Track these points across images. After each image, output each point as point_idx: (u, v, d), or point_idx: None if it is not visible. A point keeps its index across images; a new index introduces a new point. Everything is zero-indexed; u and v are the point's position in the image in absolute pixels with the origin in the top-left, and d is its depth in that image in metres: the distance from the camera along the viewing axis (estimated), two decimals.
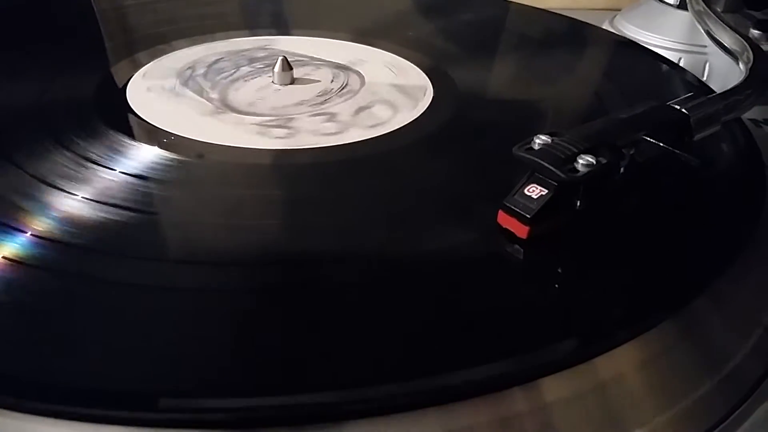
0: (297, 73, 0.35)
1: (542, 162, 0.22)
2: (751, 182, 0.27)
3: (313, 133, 0.29)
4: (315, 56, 0.38)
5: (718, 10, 0.40)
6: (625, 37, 0.45)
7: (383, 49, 0.39)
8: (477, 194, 0.25)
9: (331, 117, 0.31)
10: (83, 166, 0.26)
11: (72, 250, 0.21)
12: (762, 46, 0.33)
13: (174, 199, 0.25)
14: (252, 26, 0.43)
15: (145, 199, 0.24)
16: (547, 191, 0.22)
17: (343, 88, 0.34)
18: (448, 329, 0.19)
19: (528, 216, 0.21)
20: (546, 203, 0.21)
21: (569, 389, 0.18)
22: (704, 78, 0.42)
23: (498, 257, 0.22)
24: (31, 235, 0.22)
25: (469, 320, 0.19)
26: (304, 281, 0.21)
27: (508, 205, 0.22)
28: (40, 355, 0.18)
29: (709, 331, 0.21)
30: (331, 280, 0.21)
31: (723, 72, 0.42)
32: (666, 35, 0.45)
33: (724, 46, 0.37)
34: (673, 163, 0.24)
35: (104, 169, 0.26)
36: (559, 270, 0.22)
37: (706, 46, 0.43)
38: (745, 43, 0.34)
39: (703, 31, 0.40)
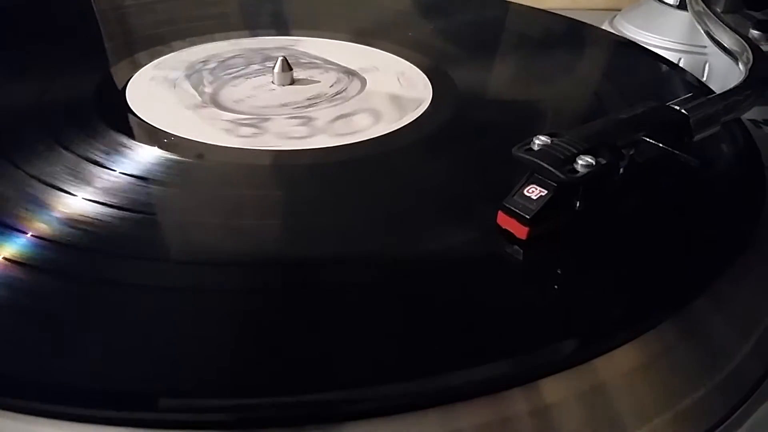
0: (303, 74, 0.35)
1: (542, 163, 0.22)
2: (751, 183, 0.27)
3: (278, 136, 0.29)
4: (329, 59, 0.38)
5: (718, 10, 0.40)
6: (624, 38, 0.45)
7: (401, 56, 0.38)
8: (476, 194, 0.25)
9: (307, 121, 0.31)
10: (83, 166, 0.26)
11: (72, 250, 0.21)
12: (762, 47, 0.33)
13: (173, 198, 0.25)
14: (281, 27, 0.43)
15: (144, 199, 0.24)
16: (546, 192, 0.22)
17: (337, 94, 0.34)
18: (448, 329, 0.19)
19: (527, 217, 0.21)
20: (545, 204, 0.21)
21: (569, 390, 0.18)
22: (704, 78, 0.42)
23: (498, 258, 0.22)
24: (31, 235, 0.22)
25: (469, 320, 0.19)
26: (304, 281, 0.21)
27: (507, 205, 0.22)
28: (40, 355, 0.18)
29: (710, 332, 0.21)
30: (331, 281, 0.21)
31: (723, 72, 0.42)
32: (666, 36, 0.45)
33: (724, 46, 0.37)
34: (673, 164, 0.24)
35: (104, 169, 0.26)
36: (559, 270, 0.22)
37: (705, 47, 0.43)
38: (744, 43, 0.34)
39: (702, 32, 0.40)
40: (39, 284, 0.20)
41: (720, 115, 0.27)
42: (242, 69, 0.36)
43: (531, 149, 0.23)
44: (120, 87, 0.33)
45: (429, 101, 0.33)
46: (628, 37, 0.46)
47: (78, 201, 0.24)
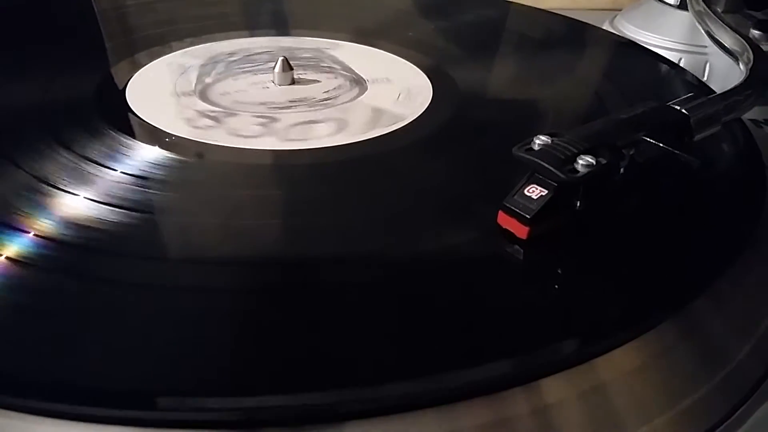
0: (312, 77, 0.35)
1: (542, 162, 0.22)
2: (752, 183, 0.27)
3: (229, 132, 0.29)
4: (349, 65, 0.37)
5: (719, 10, 0.40)
6: (625, 38, 0.45)
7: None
8: (477, 194, 0.25)
9: (268, 122, 0.31)
10: (83, 166, 0.26)
11: (72, 250, 0.21)
12: (762, 47, 0.33)
13: (173, 198, 0.25)
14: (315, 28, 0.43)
15: (143, 199, 0.24)
16: (546, 192, 0.22)
17: (325, 100, 0.33)
18: (448, 329, 0.19)
19: (528, 216, 0.21)
20: (546, 204, 0.21)
21: (569, 390, 0.18)
22: (704, 78, 0.42)
23: (498, 257, 0.22)
24: (31, 234, 0.22)
25: (469, 320, 0.19)
26: (304, 281, 0.21)
27: (507, 205, 0.22)
28: (40, 355, 0.18)
29: (710, 332, 0.21)
30: (331, 281, 0.21)
31: (723, 72, 0.42)
32: (666, 35, 0.45)
33: (725, 46, 0.37)
34: (673, 164, 0.24)
35: (104, 168, 0.26)
36: (559, 270, 0.22)
37: (706, 47, 0.43)
38: (745, 43, 0.34)
39: (703, 32, 0.40)
40: (39, 284, 0.20)
41: (720, 115, 0.27)
42: (259, 65, 0.36)
43: (531, 149, 0.23)
44: (120, 87, 0.33)
45: (412, 119, 0.31)
46: (628, 37, 0.46)
47: (78, 200, 0.24)
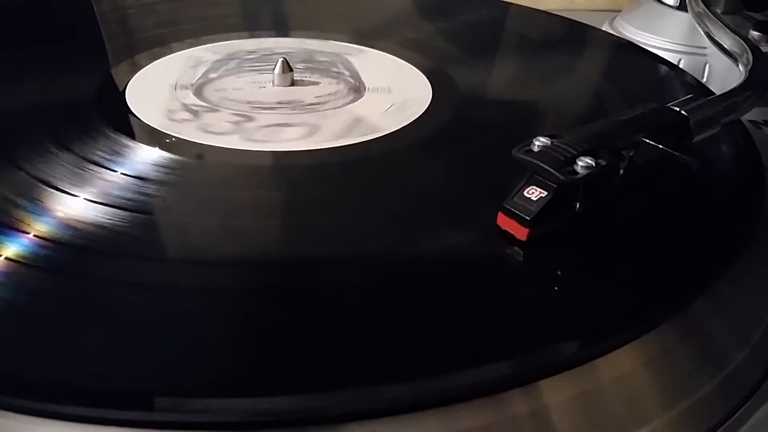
0: (311, 80, 0.35)
1: (541, 164, 0.22)
2: (751, 184, 0.27)
3: (199, 128, 0.30)
4: (359, 71, 0.36)
5: (718, 11, 0.40)
6: (624, 39, 0.45)
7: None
8: (476, 195, 0.25)
9: (242, 121, 0.30)
10: (83, 166, 0.26)
11: (72, 250, 0.21)
12: (762, 48, 0.33)
13: (173, 198, 0.25)
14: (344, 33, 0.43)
15: (143, 199, 0.24)
16: (546, 193, 0.22)
17: (313, 104, 0.33)
18: (448, 330, 0.19)
19: (527, 218, 0.21)
20: (545, 205, 0.21)
21: (569, 391, 0.18)
22: (704, 79, 0.42)
23: (497, 259, 0.22)
24: (31, 235, 0.22)
25: (469, 321, 0.19)
26: (304, 281, 0.21)
27: (507, 207, 0.22)
28: (40, 355, 0.18)
29: (710, 332, 0.21)
30: (331, 281, 0.21)
31: (722, 74, 0.42)
32: (666, 37, 0.45)
33: (724, 47, 0.37)
34: (673, 165, 0.24)
35: (104, 169, 0.26)
36: (559, 272, 0.22)
37: (705, 48, 0.43)
38: (744, 44, 0.34)
39: (702, 33, 0.40)
40: (39, 284, 0.20)
41: (720, 116, 0.27)
42: (269, 65, 0.35)
43: (531, 150, 0.23)
44: (121, 88, 0.33)
45: (389, 132, 0.30)
46: (628, 38, 0.46)
47: (78, 201, 0.24)
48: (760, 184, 0.26)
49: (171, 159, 0.27)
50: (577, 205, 0.23)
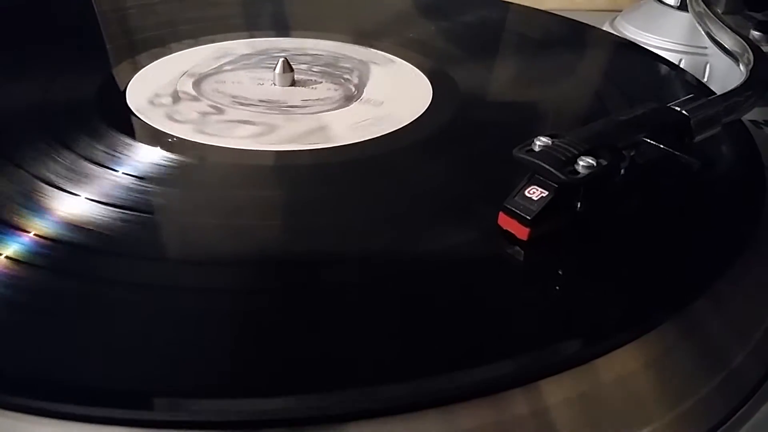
0: (312, 83, 0.35)
1: (542, 164, 0.22)
2: (751, 184, 0.27)
3: (167, 114, 0.30)
4: (366, 81, 0.36)
5: (719, 11, 0.40)
6: (625, 39, 0.45)
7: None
8: (477, 195, 0.25)
9: (211, 113, 0.31)
10: (83, 166, 0.26)
11: (73, 250, 0.21)
12: (762, 48, 0.33)
13: (173, 198, 0.25)
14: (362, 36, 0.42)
15: (143, 199, 0.24)
16: (547, 193, 0.22)
17: (293, 106, 0.32)
18: (449, 330, 0.19)
19: (528, 218, 0.21)
20: (546, 205, 0.21)
21: (570, 391, 0.18)
22: (705, 79, 0.42)
23: (498, 258, 0.22)
24: (32, 235, 0.22)
25: (469, 321, 0.19)
26: (304, 281, 0.21)
27: (508, 206, 0.22)
28: (40, 355, 0.18)
29: (710, 332, 0.21)
30: (331, 281, 0.21)
31: (723, 73, 0.42)
32: (666, 36, 0.45)
33: (725, 47, 0.37)
34: (674, 165, 0.24)
35: (104, 169, 0.26)
36: (560, 271, 0.22)
37: (706, 48, 0.42)
38: (745, 44, 0.34)
39: (703, 33, 0.40)
40: (39, 284, 0.20)
41: (721, 116, 0.27)
42: (273, 63, 0.35)
43: (532, 150, 0.23)
44: (122, 88, 0.33)
45: (344, 144, 0.29)
46: (628, 38, 0.46)
47: (79, 201, 0.24)
48: (760, 184, 0.26)
49: (169, 157, 0.27)
50: (578, 205, 0.23)
